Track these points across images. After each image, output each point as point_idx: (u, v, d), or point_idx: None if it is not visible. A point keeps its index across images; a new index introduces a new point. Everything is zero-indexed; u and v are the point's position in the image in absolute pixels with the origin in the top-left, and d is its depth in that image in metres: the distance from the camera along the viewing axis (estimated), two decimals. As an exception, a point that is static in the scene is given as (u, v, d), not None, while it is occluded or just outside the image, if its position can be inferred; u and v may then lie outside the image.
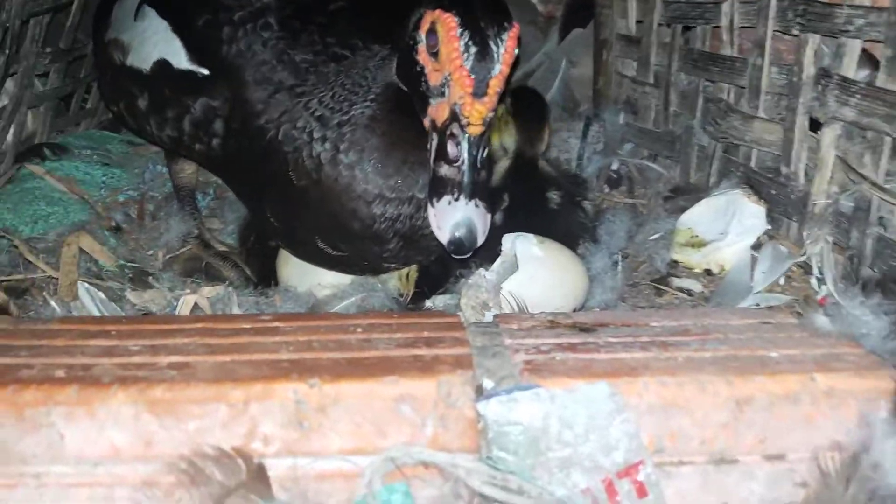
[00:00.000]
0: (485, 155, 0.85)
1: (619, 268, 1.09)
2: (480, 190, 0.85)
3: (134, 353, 0.73)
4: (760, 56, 1.08)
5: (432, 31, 0.85)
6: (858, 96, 0.87)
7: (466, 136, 0.82)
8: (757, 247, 1.08)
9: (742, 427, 0.64)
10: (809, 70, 0.97)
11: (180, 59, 1.14)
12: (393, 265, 1.10)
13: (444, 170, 0.84)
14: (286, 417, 0.63)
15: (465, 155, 0.83)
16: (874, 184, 0.86)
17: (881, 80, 0.84)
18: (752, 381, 0.65)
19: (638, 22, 1.48)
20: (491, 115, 0.84)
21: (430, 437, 0.64)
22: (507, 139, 1.25)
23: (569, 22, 2.07)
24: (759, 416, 0.64)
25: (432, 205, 0.85)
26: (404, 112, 0.95)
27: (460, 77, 0.81)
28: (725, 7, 1.15)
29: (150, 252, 1.30)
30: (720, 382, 0.65)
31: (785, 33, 1.03)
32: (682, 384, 0.65)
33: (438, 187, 0.85)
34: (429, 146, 0.87)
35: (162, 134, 1.20)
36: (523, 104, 1.25)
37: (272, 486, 0.62)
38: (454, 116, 0.83)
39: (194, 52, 1.13)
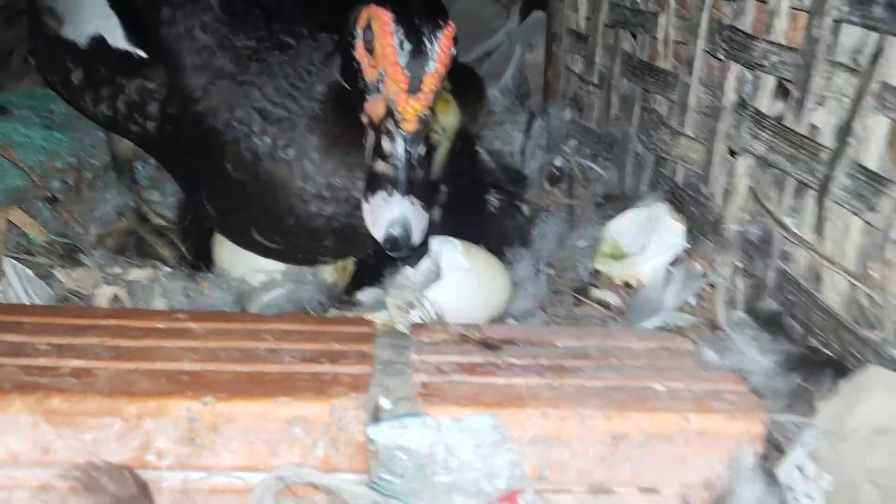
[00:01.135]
0: (421, 152, 0.86)
1: (542, 277, 1.12)
2: (417, 187, 0.85)
3: (40, 354, 0.74)
4: (689, 74, 1.10)
5: (368, 27, 0.85)
6: (769, 132, 0.90)
7: (401, 132, 0.83)
8: (676, 263, 1.11)
9: (618, 461, 0.69)
10: (731, 96, 1.00)
11: (117, 38, 1.11)
12: (329, 259, 1.12)
13: (380, 166, 0.84)
14: (179, 434, 0.65)
15: (400, 151, 0.83)
16: (776, 219, 0.89)
17: (788, 119, 0.86)
18: (629, 419, 0.68)
19: (587, 19, 1.48)
20: (427, 112, 0.84)
21: (322, 458, 0.67)
22: (447, 118, 1.26)
23: (530, 2, 2.05)
24: (635, 451, 0.68)
25: (367, 201, 0.86)
26: (346, 112, 0.94)
27: (394, 73, 0.82)
28: (662, 19, 1.17)
29: (84, 226, 1.29)
30: (599, 417, 0.68)
31: (713, 55, 1.05)
32: (564, 417, 0.68)
33: (373, 184, 0.85)
34: (365, 143, 0.87)
35: (97, 111, 1.17)
36: (460, 80, 1.25)
37: (156, 502, 0.64)
38: (389, 113, 0.83)
39: (132, 32, 1.10)
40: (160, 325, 0.82)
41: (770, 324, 0.88)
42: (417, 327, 0.88)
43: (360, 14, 0.88)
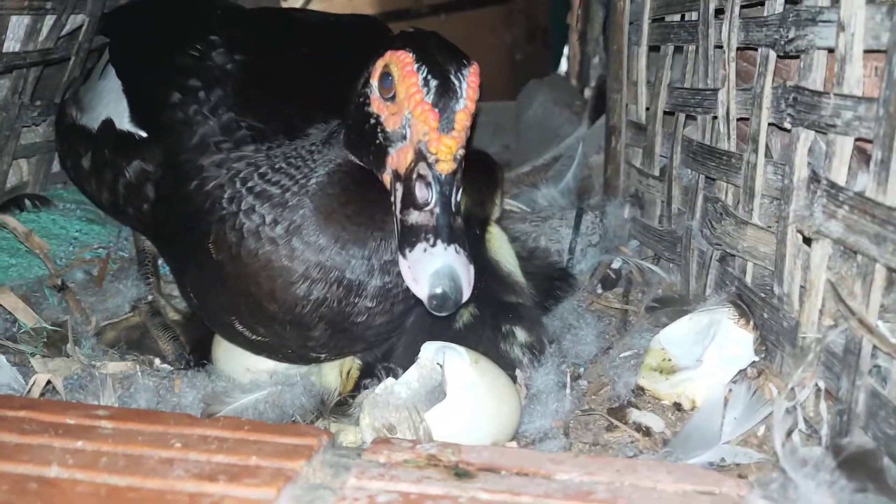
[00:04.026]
0: (458, 198, 0.76)
1: (567, 391, 0.91)
2: (459, 235, 0.75)
3: None
4: (755, 151, 0.90)
5: (386, 74, 0.78)
6: (846, 207, 0.68)
7: (437, 174, 0.74)
8: (740, 381, 0.87)
9: None
10: (802, 171, 0.80)
11: (122, 120, 1.09)
12: (323, 355, 0.98)
13: (414, 216, 0.74)
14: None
15: (437, 195, 0.74)
16: (864, 323, 0.66)
17: (870, 189, 0.65)
18: None
19: (647, 109, 1.33)
20: (462, 151, 0.75)
21: None
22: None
23: (599, 105, 1.95)
24: None
25: (404, 256, 0.75)
26: (345, 188, 0.86)
27: (422, 112, 0.74)
28: (721, 95, 0.99)
29: (87, 316, 1.22)
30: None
31: (779, 127, 0.86)
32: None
33: (409, 237, 0.75)
34: (392, 199, 0.78)
35: (101, 196, 1.15)
36: (472, 165, 1.13)
37: None
38: (420, 156, 0.75)
39: (137, 114, 1.09)
40: (69, 420, 0.68)
41: (858, 465, 0.63)
42: (380, 442, 0.70)
43: (371, 67, 0.81)
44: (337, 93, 0.97)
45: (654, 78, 1.25)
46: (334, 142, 0.89)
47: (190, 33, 1.10)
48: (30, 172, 1.58)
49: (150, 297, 1.27)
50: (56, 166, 1.61)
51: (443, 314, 0.74)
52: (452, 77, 0.75)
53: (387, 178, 0.80)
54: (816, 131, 0.76)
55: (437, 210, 0.73)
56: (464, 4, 3.83)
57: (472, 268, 0.75)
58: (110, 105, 1.13)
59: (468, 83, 0.76)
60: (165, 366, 1.16)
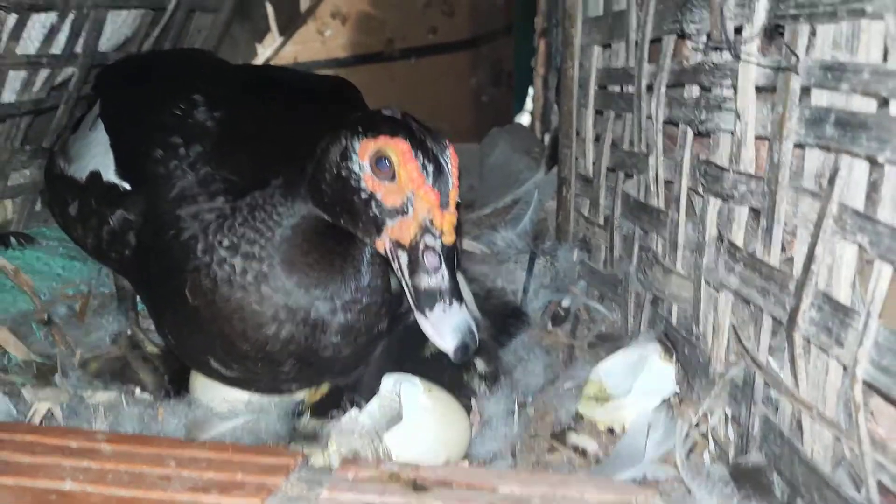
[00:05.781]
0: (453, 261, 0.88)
1: (515, 418, 1.02)
2: (462, 294, 0.87)
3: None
4: (677, 211, 1.05)
5: (382, 158, 0.87)
6: (741, 265, 0.82)
7: (443, 245, 0.85)
8: (664, 409, 1.00)
9: None
10: (711, 231, 0.94)
11: (108, 172, 1.17)
12: (294, 386, 1.07)
13: (426, 281, 0.85)
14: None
15: (445, 263, 0.85)
16: (755, 360, 0.79)
17: (758, 251, 0.79)
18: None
19: (593, 164, 1.47)
20: (455, 223, 0.87)
21: None
22: None
23: (555, 153, 2.09)
24: None
25: (425, 316, 0.86)
26: (307, 239, 0.95)
27: (426, 194, 0.85)
28: (651, 160, 1.14)
29: (72, 349, 1.30)
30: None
31: (695, 191, 1.00)
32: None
33: (427, 299, 0.86)
34: (396, 265, 0.88)
35: (86, 241, 1.22)
36: None
37: None
38: (425, 230, 0.85)
39: (122, 167, 1.16)
40: (72, 443, 0.78)
41: (750, 479, 0.76)
42: (348, 462, 0.81)
43: (348, 146, 0.89)
44: (308, 149, 1.08)
45: (600, 137, 1.40)
46: (297, 195, 0.96)
47: (174, 92, 1.18)
48: (14, 211, 1.66)
49: (129, 332, 1.35)
50: (39, 205, 1.70)
51: (463, 360, 0.87)
52: (441, 159, 0.86)
53: (382, 244, 0.89)
54: (720, 199, 0.90)
55: (446, 275, 0.85)
56: (432, 49, 4.01)
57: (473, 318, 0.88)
58: (97, 157, 1.21)
59: (451, 163, 0.87)
60: (146, 395, 1.24)
